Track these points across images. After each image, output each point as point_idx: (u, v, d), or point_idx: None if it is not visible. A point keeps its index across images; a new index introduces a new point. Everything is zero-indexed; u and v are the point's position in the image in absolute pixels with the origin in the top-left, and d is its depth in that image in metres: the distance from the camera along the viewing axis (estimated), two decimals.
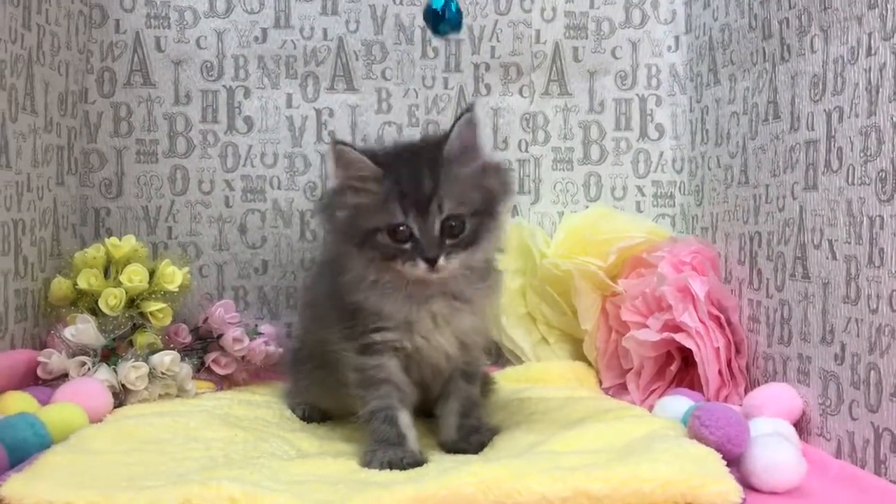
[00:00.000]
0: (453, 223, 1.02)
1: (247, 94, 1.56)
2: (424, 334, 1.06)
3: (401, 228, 1.01)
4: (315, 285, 1.28)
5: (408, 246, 1.01)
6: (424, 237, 1.01)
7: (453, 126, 1.03)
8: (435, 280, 1.03)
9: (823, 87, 1.08)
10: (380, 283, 1.05)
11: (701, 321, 1.26)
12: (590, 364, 1.49)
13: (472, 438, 1.10)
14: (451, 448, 1.10)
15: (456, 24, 1.21)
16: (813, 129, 1.11)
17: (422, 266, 1.00)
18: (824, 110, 1.08)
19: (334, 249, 1.14)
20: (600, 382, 1.46)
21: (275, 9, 1.56)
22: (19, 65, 1.25)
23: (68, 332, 1.24)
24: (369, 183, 1.02)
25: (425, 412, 1.16)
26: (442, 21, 1.19)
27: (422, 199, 1.01)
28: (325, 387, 1.18)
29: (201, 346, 1.43)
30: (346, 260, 1.07)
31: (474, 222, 1.03)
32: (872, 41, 0.98)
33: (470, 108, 1.04)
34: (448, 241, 1.01)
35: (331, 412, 1.23)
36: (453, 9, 1.20)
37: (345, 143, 1.04)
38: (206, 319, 1.42)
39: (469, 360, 1.12)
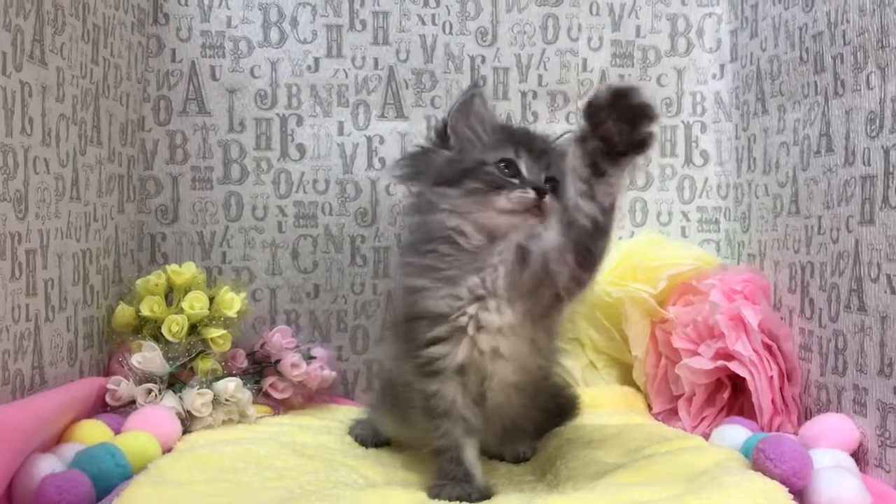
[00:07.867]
0: (553, 184, 1.07)
1: (299, 122, 1.59)
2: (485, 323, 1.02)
3: (511, 162, 1.06)
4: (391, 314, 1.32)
5: (516, 180, 1.05)
6: (532, 176, 1.07)
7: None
8: (530, 223, 1.02)
9: (881, 123, 1.10)
10: (460, 231, 1.04)
11: (754, 350, 1.28)
12: (638, 389, 1.51)
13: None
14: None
15: None
16: (869, 165, 1.12)
17: (531, 193, 1.03)
18: (882, 147, 1.10)
19: (415, 204, 1.14)
20: (649, 407, 1.48)
21: (327, 39, 1.59)
22: (88, 99, 1.28)
23: (135, 360, 1.26)
24: (487, 130, 1.11)
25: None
26: None
27: (534, 150, 1.09)
28: (395, 417, 1.20)
29: (256, 370, 1.45)
30: (431, 207, 1.07)
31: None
32: None
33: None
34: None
35: (395, 440, 1.25)
36: None
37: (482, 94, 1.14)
38: (262, 344, 1.45)
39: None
